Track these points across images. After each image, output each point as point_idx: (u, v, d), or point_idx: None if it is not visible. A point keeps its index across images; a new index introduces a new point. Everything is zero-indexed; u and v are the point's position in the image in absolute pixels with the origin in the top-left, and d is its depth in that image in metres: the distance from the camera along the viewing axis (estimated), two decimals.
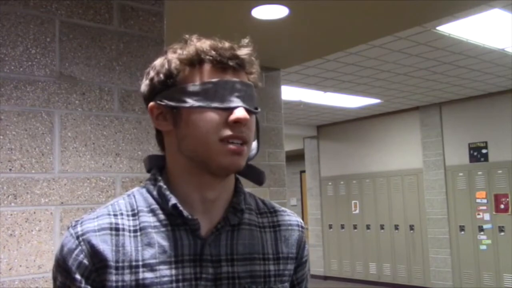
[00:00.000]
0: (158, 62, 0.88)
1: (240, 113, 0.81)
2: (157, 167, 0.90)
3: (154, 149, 2.17)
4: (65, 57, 2.00)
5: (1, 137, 1.83)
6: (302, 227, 0.98)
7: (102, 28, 2.10)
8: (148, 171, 0.92)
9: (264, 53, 4.24)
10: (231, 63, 0.83)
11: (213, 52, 0.83)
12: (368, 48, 4.76)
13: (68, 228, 0.84)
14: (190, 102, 0.82)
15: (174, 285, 0.80)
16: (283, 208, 1.00)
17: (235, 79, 0.83)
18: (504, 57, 5.27)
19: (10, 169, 1.83)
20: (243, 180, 0.95)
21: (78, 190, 1.97)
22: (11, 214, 1.82)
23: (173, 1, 2.86)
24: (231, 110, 0.82)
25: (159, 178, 0.88)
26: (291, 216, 0.98)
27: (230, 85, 0.83)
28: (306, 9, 3.33)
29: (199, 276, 0.82)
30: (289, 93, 6.45)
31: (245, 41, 0.87)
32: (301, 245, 0.96)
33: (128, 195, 0.89)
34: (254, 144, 0.95)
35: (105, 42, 2.10)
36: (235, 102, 0.82)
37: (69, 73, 2.00)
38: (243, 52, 0.85)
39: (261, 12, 3.33)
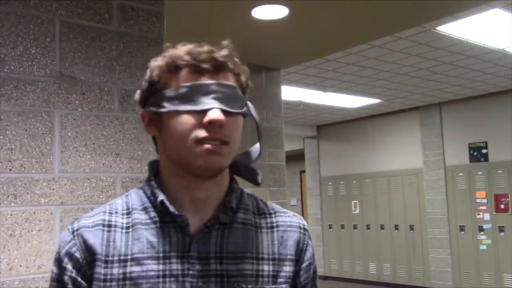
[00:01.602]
0: (147, 70, 0.91)
1: (213, 114, 0.81)
2: (153, 170, 0.94)
3: (154, 149, 2.16)
4: (65, 57, 2.00)
5: (1, 137, 1.83)
6: (304, 229, 0.96)
7: (102, 28, 2.10)
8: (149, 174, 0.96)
9: (264, 53, 4.24)
10: (206, 66, 0.84)
11: (187, 57, 0.84)
12: (368, 48, 4.76)
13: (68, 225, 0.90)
14: (167, 106, 0.85)
15: (160, 279, 0.82)
16: (285, 210, 0.98)
17: (211, 81, 0.84)
18: (504, 57, 5.27)
19: (10, 169, 1.83)
20: (245, 181, 0.95)
21: (78, 190, 1.97)
22: (11, 214, 1.82)
23: (173, 1, 2.86)
24: (205, 112, 0.82)
25: (152, 178, 0.91)
26: (292, 218, 0.96)
27: (205, 88, 0.83)
28: (306, 9, 3.33)
29: (186, 272, 0.83)
30: (289, 93, 6.45)
31: (224, 43, 0.88)
32: (302, 247, 0.94)
33: (126, 196, 0.93)
34: (257, 146, 0.96)
35: (105, 42, 2.10)
36: (210, 103, 0.83)
37: (69, 73, 2.00)
38: (220, 54, 0.85)
39: (261, 12, 3.33)
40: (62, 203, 1.92)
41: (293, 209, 11.68)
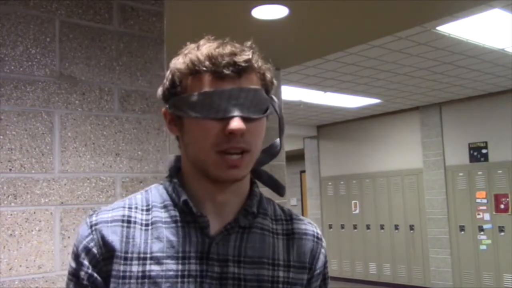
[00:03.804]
0: (171, 65, 0.89)
1: (234, 124, 0.80)
2: (176, 166, 0.92)
3: (154, 149, 2.17)
4: (65, 57, 2.00)
5: (1, 137, 1.83)
6: (318, 238, 0.96)
7: (102, 28, 2.10)
8: (169, 170, 0.94)
9: (264, 53, 4.22)
10: (227, 71, 0.81)
11: (207, 63, 0.82)
12: (368, 48, 4.76)
13: (86, 218, 0.89)
14: (188, 112, 0.83)
15: (179, 279, 0.81)
16: (301, 217, 0.98)
17: (232, 87, 0.82)
18: (504, 57, 5.27)
19: (10, 169, 1.83)
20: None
21: (78, 190, 1.97)
22: (11, 214, 1.82)
23: (173, 1, 2.86)
24: (227, 120, 0.81)
25: (175, 175, 0.90)
26: (307, 226, 0.96)
27: (226, 94, 0.81)
28: (306, 9, 3.33)
29: (204, 274, 0.83)
30: (289, 93, 6.45)
31: (248, 43, 0.86)
32: (315, 255, 0.94)
33: (146, 191, 0.92)
34: (277, 142, 0.96)
35: (105, 42, 2.10)
36: (231, 111, 0.81)
37: (69, 73, 2.00)
38: (242, 58, 0.83)
39: (261, 12, 3.33)
40: (62, 203, 1.92)
41: (293, 209, 11.69)
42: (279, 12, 3.34)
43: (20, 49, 1.90)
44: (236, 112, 0.81)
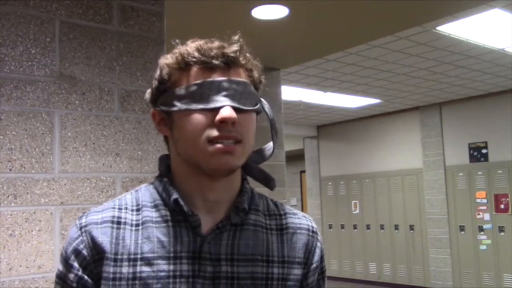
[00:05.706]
0: (159, 62, 0.89)
1: (225, 112, 0.79)
2: (166, 165, 0.91)
3: (154, 149, 2.17)
4: (65, 57, 2.00)
5: (1, 137, 1.83)
6: (313, 231, 0.94)
7: (102, 28, 2.10)
8: (160, 169, 0.93)
9: (264, 53, 4.23)
10: (216, 62, 0.82)
11: (197, 54, 0.82)
12: (368, 48, 4.76)
13: (76, 220, 0.88)
14: (178, 105, 0.82)
15: (171, 280, 0.80)
16: (295, 211, 0.97)
17: (222, 78, 0.82)
18: (504, 57, 5.27)
19: (10, 169, 1.83)
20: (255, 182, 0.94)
21: (78, 190, 1.97)
22: (11, 214, 1.82)
23: (173, 1, 2.86)
24: (217, 110, 0.80)
25: (164, 174, 0.89)
26: (301, 219, 0.95)
27: (215, 85, 0.81)
28: (306, 9, 3.33)
29: (197, 273, 0.81)
30: (289, 93, 6.45)
31: (235, 38, 0.86)
32: (311, 250, 0.92)
33: (136, 191, 0.91)
34: (270, 144, 0.95)
35: (105, 42, 2.10)
36: (221, 101, 0.80)
37: (69, 73, 2.00)
38: (231, 49, 0.83)
39: (261, 12, 3.33)
40: (62, 203, 1.92)
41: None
42: (279, 12, 3.34)
43: (20, 49, 1.90)
44: (226, 102, 0.81)
